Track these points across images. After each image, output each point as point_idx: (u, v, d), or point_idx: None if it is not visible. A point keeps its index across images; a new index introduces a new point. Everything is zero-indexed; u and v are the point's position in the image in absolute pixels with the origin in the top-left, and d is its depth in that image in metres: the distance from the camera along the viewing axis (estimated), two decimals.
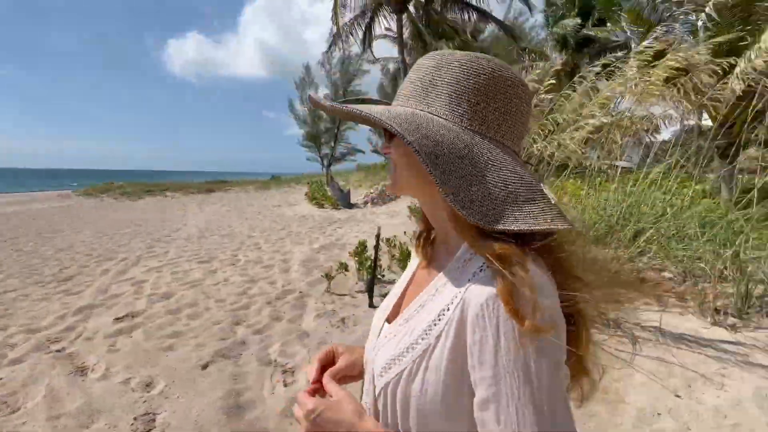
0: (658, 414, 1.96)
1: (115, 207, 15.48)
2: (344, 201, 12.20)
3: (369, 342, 0.64)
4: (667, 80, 3.67)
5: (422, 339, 0.50)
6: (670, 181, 3.78)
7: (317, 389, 0.62)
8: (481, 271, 0.48)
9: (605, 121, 2.79)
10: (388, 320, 0.62)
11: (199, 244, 7.06)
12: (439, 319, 0.49)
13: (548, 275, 0.47)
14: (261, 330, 3.19)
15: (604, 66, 4.27)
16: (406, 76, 0.59)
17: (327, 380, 0.62)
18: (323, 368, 0.66)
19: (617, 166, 4.33)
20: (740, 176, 5.10)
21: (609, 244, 3.26)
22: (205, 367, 2.63)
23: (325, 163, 24.30)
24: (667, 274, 3.17)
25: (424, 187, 0.56)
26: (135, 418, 2.12)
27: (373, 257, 3.83)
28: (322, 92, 23.03)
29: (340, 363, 0.67)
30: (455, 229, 0.52)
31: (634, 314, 2.76)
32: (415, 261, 0.69)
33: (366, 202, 12.33)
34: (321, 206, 12.57)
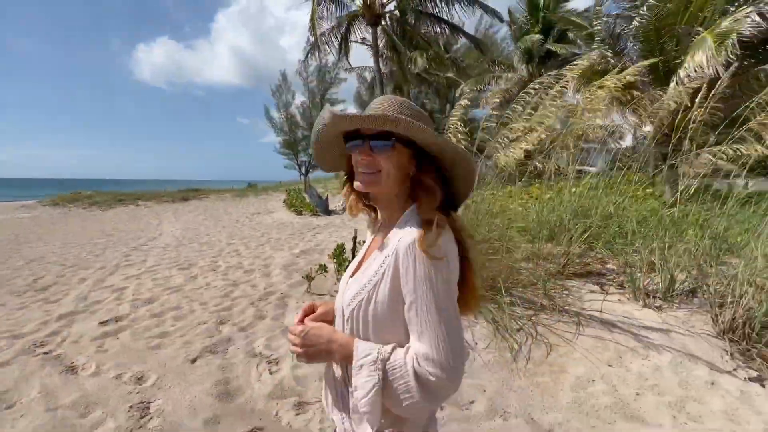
0: (593, 380, 2.32)
1: (84, 217, 15.04)
2: (323, 208, 12.40)
3: (339, 293, 0.93)
4: (616, 98, 4.14)
5: (374, 276, 0.80)
6: (617, 184, 4.26)
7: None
8: (406, 230, 0.79)
9: (543, 137, 3.19)
10: (353, 275, 0.91)
11: (177, 252, 7.10)
12: (383, 263, 0.80)
13: (451, 234, 0.79)
14: (245, 328, 3.39)
15: (557, 78, 4.74)
16: (376, 101, 0.86)
17: (308, 320, 0.90)
18: (305, 315, 0.95)
19: (584, 171, 4.76)
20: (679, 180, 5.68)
21: (561, 240, 3.67)
22: (194, 361, 2.82)
23: (303, 170, 24.36)
24: (610, 266, 3.60)
25: (393, 186, 0.84)
26: (131, 407, 2.30)
27: (350, 259, 4.11)
28: (299, 99, 23.19)
29: (319, 311, 0.96)
30: (419, 207, 0.82)
31: (580, 302, 3.15)
32: (368, 239, 1.00)
33: (344, 209, 12.57)
34: (299, 213, 12.70)
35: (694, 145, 3.43)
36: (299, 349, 0.83)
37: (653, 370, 2.37)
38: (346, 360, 0.79)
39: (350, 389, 0.83)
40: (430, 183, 0.82)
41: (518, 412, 2.10)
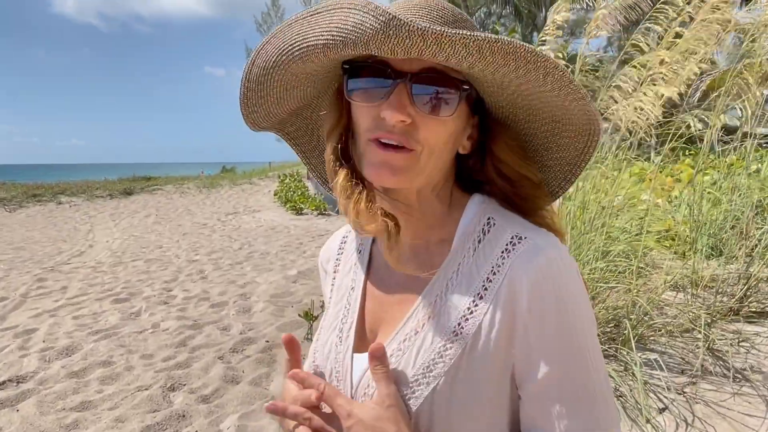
0: None
1: None
2: (333, 202, 12.54)
3: (333, 375, 0.79)
4: None
5: (455, 338, 0.70)
6: None
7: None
8: (515, 244, 0.70)
9: (697, 70, 2.92)
10: (358, 350, 0.78)
11: (113, 275, 7.40)
12: (473, 311, 0.70)
13: None
14: (209, 397, 3.46)
15: None
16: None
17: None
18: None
19: None
20: None
21: (735, 255, 3.44)
22: None
23: None
24: None
25: (433, 174, 0.73)
26: None
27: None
28: None
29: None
30: (532, 202, 0.79)
31: None
32: (345, 279, 0.89)
33: None
34: (299, 211, 12.97)
35: None
36: None
37: None
38: None
39: None
40: (530, 169, 0.78)
41: None
